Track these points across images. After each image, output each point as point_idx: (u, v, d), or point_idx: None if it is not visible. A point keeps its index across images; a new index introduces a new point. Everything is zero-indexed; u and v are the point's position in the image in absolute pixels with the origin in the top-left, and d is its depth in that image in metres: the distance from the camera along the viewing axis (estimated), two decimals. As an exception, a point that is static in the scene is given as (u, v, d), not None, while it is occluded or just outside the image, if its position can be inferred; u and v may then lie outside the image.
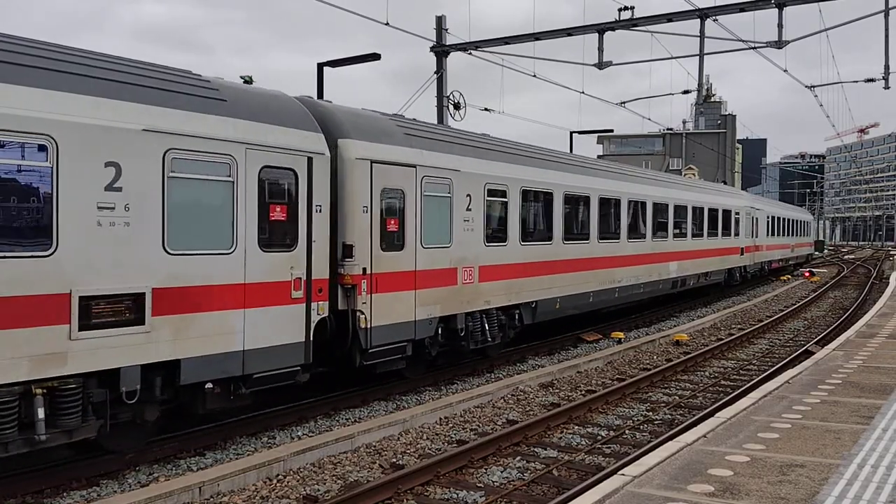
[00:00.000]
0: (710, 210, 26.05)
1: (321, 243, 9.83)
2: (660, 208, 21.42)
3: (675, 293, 24.11)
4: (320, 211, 9.77)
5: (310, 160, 9.59)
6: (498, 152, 14.21)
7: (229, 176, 8.56)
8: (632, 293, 19.70)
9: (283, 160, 9.19)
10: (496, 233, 13.78)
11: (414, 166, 11.59)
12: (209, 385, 8.51)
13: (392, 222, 11.13)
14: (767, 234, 36.39)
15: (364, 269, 10.57)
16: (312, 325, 9.67)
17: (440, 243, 12.13)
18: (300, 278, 9.44)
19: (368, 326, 10.57)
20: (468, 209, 12.87)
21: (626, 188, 19.30)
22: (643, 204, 20.21)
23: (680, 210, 23.05)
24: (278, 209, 9.15)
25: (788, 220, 44.01)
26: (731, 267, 29.14)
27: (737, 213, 29.75)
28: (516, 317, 14.47)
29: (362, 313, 10.46)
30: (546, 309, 15.44)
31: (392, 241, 11.16)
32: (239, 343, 8.59)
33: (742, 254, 30.39)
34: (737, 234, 29.65)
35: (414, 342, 11.62)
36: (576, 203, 16.87)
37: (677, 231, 22.70)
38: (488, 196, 13.47)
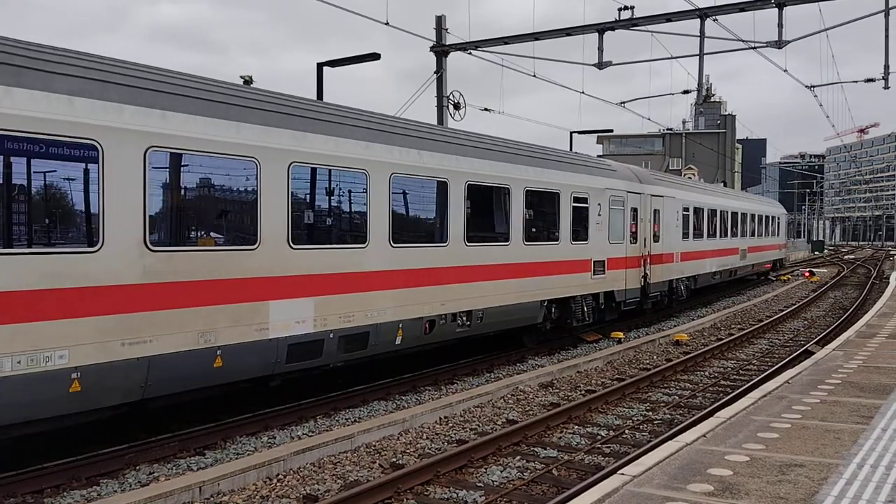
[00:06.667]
0: (474, 189, 13.06)
1: None
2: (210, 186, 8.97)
3: (314, 370, 10.94)
4: None
5: None
6: None
7: None
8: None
9: None
10: None
11: None
12: None
13: None
14: (686, 236, 23.60)
15: None
16: None
17: None
18: None
19: None
20: None
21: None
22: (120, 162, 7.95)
23: (327, 181, 10.41)
24: None
25: (735, 213, 30.18)
26: (566, 297, 16.04)
27: (581, 200, 16.55)
28: None
29: None
30: None
31: None
32: None
33: (599, 272, 17.25)
34: (578, 238, 16.43)
35: None
36: None
37: (330, 232, 10.53)
38: None
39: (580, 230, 16.56)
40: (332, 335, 10.39)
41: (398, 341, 11.62)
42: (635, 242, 19.31)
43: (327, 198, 10.45)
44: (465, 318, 13.02)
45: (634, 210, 19.36)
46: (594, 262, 17.10)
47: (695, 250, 24.63)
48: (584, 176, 16.90)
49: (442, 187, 12.38)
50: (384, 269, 11.23)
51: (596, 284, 17.25)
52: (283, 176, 9.59)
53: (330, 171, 10.33)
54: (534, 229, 14.88)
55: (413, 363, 14.34)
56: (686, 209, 23.73)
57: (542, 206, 15.25)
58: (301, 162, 9.83)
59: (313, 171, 10.12)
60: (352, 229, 10.81)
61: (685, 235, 23.56)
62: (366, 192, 10.89)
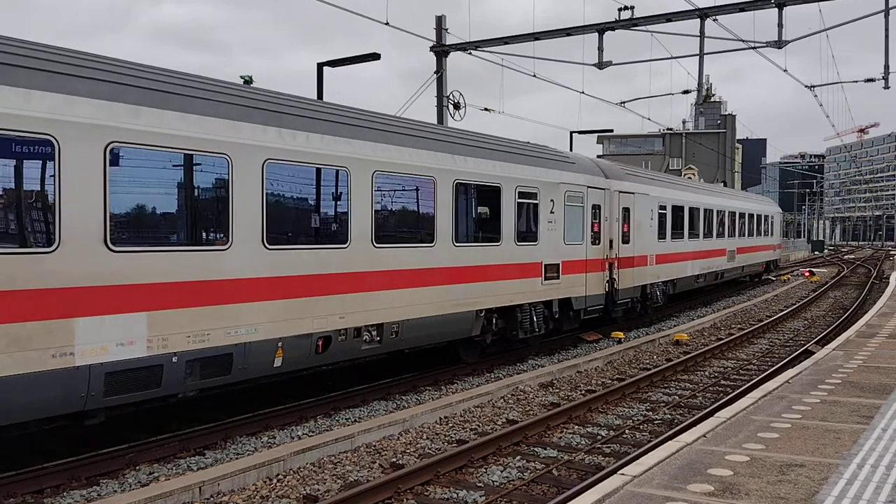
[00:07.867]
0: (385, 180, 11.25)
1: None
2: None
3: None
4: None
5: None
6: None
7: None
8: None
9: None
10: None
11: None
12: None
13: None
14: (663, 236, 21.56)
15: None
16: None
17: None
18: None
19: None
20: None
21: None
22: None
23: (169, 167, 8.50)
24: None
25: (721, 212, 28.04)
26: (510, 305, 14.11)
27: (529, 196, 14.55)
28: None
29: None
30: None
31: None
32: None
33: (552, 277, 15.33)
34: (526, 238, 14.58)
35: None
36: None
37: (172, 230, 8.56)
38: None
39: (528, 230, 14.49)
40: (175, 359, 8.20)
41: (278, 363, 9.52)
42: (598, 244, 17.20)
43: (168, 188, 8.28)
44: (374, 333, 11.03)
45: (597, 207, 17.17)
46: (545, 265, 15.03)
47: (673, 252, 22.41)
48: (533, 168, 14.75)
49: (341, 178, 10.37)
50: (255, 275, 9.13)
51: (548, 291, 15.13)
52: (97, 160, 7.52)
53: (172, 154, 8.24)
54: (467, 229, 12.91)
55: (413, 363, 14.34)
56: (663, 207, 21.50)
57: (479, 202, 13.26)
58: (124, 142, 7.76)
59: (145, 153, 7.95)
60: (206, 227, 8.67)
61: (662, 236, 21.43)
62: (228, 181, 8.80)
